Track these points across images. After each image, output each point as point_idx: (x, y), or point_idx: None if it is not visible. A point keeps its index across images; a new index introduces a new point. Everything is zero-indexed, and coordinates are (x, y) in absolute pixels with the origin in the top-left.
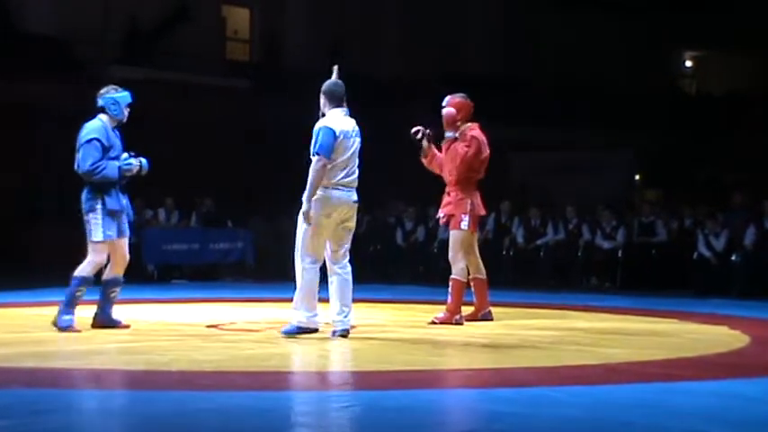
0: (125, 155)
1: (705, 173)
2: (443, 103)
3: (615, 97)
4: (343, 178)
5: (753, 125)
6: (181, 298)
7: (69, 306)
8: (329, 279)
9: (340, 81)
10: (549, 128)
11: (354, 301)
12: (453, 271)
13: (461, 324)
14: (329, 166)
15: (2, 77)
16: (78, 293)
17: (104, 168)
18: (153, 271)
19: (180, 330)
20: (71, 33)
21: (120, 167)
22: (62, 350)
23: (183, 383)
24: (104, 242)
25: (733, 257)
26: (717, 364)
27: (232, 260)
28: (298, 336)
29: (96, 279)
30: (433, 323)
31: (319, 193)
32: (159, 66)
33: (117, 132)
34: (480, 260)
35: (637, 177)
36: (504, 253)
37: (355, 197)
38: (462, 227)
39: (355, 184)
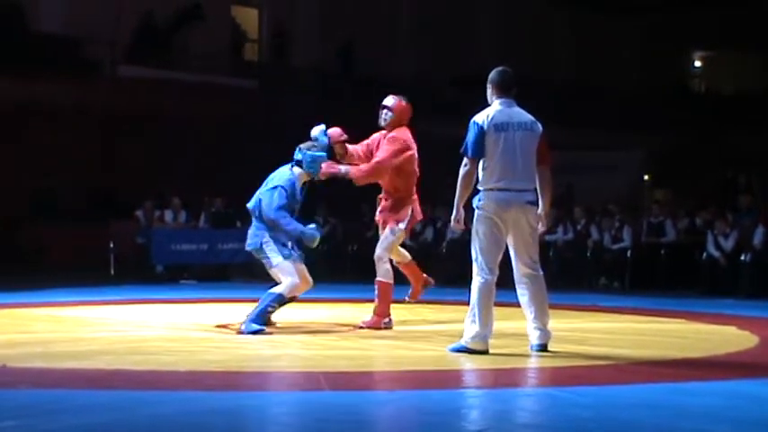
0: (312, 225)
1: (714, 172)
2: (390, 103)
3: (624, 97)
4: (503, 179)
5: (762, 124)
6: (189, 298)
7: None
8: (518, 291)
9: (506, 68)
10: (557, 128)
11: (361, 301)
12: (379, 273)
13: (390, 328)
14: (484, 166)
15: (14, 76)
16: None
17: (287, 226)
18: (162, 271)
19: (188, 331)
20: (82, 33)
21: (300, 232)
22: (70, 350)
23: (192, 384)
24: (286, 261)
25: (742, 258)
26: (725, 365)
27: (241, 260)
28: (464, 353)
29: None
30: (361, 327)
31: (482, 197)
32: (169, 65)
33: (304, 187)
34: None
35: (646, 177)
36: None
37: (528, 198)
38: (401, 226)
39: (525, 185)
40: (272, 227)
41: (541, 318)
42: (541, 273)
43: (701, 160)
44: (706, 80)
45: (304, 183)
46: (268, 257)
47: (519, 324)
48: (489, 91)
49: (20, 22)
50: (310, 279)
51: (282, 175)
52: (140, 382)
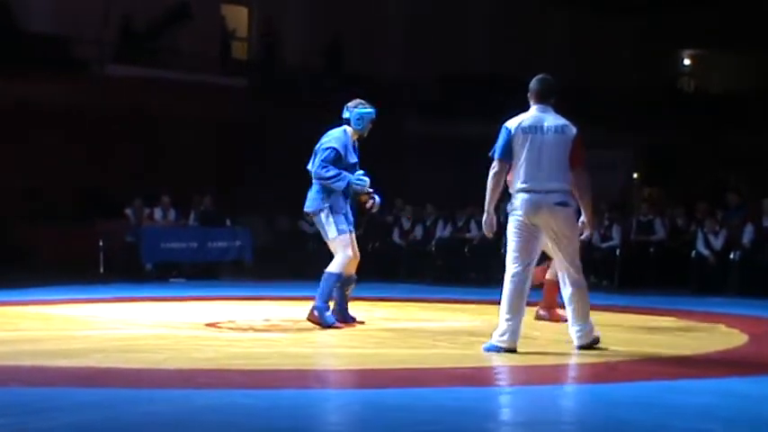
0: (360, 171)
1: (703, 171)
2: None
3: (614, 96)
4: (530, 181)
5: (751, 123)
6: (179, 296)
7: (327, 302)
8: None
9: (546, 76)
10: None
11: (354, 299)
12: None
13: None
14: (514, 168)
15: (1, 76)
16: (336, 291)
17: (336, 180)
18: (151, 269)
19: (178, 329)
20: (70, 32)
21: (350, 182)
22: (60, 349)
23: (181, 381)
24: (341, 236)
25: (731, 256)
26: (715, 362)
27: (230, 259)
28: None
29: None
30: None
31: (513, 200)
32: (157, 64)
33: (356, 144)
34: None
35: (635, 176)
36: (501, 251)
37: (557, 199)
38: None
39: (554, 186)
40: (321, 181)
41: (579, 319)
42: (581, 275)
43: (690, 159)
44: (696, 79)
45: (354, 141)
46: (325, 229)
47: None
48: (529, 97)
49: (7, 22)
50: (357, 253)
51: (334, 135)
52: (130, 380)
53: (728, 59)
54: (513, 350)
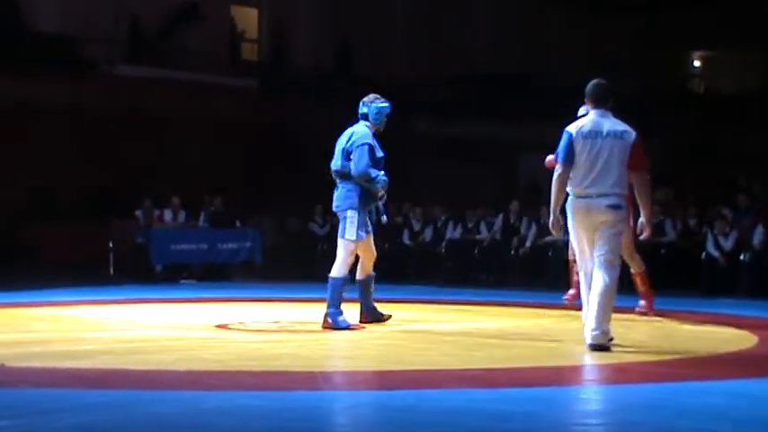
0: (381, 172)
1: (714, 172)
2: None
3: (623, 97)
4: (584, 184)
5: (761, 124)
6: (189, 298)
7: (338, 306)
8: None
9: (601, 81)
10: (557, 127)
11: (357, 300)
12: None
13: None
14: (572, 171)
15: (11, 75)
16: (360, 293)
17: (375, 182)
18: (161, 271)
19: (188, 330)
20: (80, 32)
21: (381, 183)
22: (69, 350)
23: (191, 383)
24: (357, 242)
25: (741, 257)
26: (725, 364)
27: (240, 260)
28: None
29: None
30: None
31: (569, 201)
32: (167, 65)
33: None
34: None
35: None
36: (512, 253)
37: (609, 202)
38: None
39: (607, 190)
40: (362, 181)
41: (597, 318)
42: (610, 276)
43: (700, 160)
44: (706, 80)
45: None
46: (346, 228)
47: (517, 322)
48: (586, 102)
49: (17, 22)
50: (374, 251)
51: (362, 132)
52: (140, 382)
53: (739, 60)
54: (606, 348)
